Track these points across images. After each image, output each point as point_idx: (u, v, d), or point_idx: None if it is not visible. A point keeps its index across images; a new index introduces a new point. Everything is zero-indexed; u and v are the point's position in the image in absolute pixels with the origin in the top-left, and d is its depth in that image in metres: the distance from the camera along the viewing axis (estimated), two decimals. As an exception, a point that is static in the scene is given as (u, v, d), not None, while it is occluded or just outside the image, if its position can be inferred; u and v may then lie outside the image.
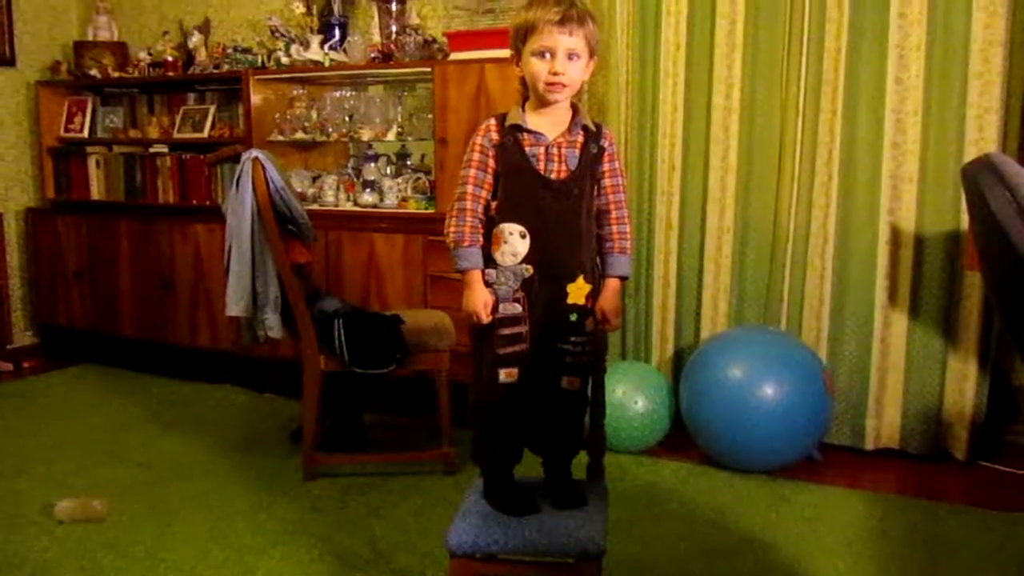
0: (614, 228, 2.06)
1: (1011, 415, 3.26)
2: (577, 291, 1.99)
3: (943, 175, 3.05)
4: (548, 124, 1.97)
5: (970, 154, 2.97)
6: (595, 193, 2.03)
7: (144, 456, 3.26)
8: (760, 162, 3.32)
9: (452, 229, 1.97)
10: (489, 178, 1.98)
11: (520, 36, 1.93)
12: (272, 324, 3.00)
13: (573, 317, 2.00)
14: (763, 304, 3.37)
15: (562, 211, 1.96)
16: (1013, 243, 1.12)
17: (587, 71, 1.97)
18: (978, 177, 1.20)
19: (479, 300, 1.94)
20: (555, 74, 1.89)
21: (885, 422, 3.22)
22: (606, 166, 2.03)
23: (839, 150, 3.17)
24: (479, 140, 1.98)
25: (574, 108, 2.00)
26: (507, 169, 1.97)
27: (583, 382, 2.05)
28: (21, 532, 2.63)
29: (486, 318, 1.94)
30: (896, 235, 3.14)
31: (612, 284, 2.06)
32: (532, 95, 1.98)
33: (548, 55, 1.89)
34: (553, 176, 1.96)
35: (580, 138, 1.99)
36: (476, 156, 1.98)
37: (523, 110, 1.98)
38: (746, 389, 2.95)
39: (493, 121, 1.99)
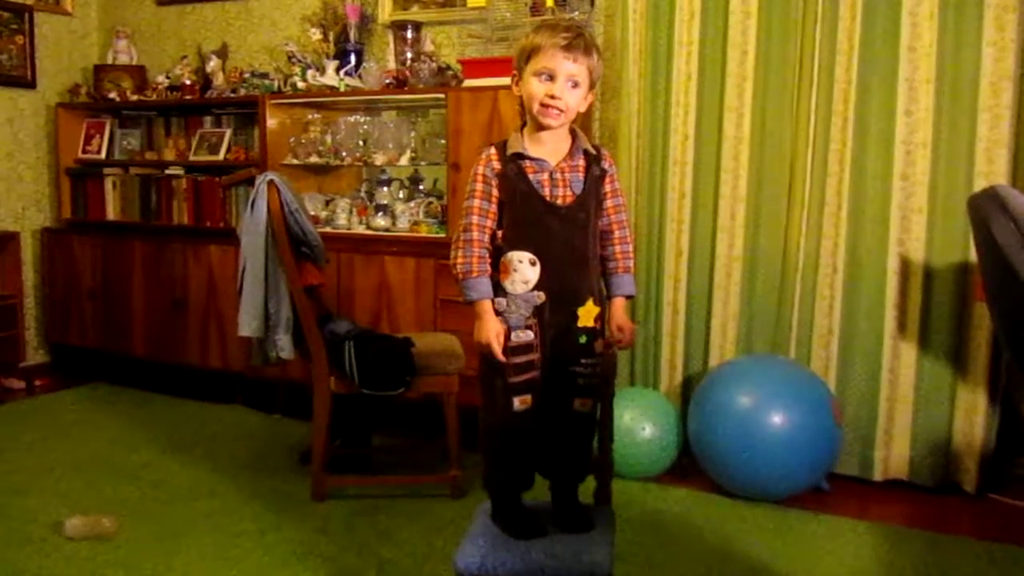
0: (617, 248, 2.08)
1: (1021, 448, 3.24)
2: (587, 314, 2.01)
3: (952, 207, 3.06)
4: (548, 150, 1.99)
5: (979, 186, 2.98)
6: (598, 215, 2.05)
7: (153, 475, 3.27)
8: (770, 191, 3.34)
9: (459, 261, 1.98)
10: (493, 207, 1.99)
11: (524, 57, 1.95)
12: (284, 345, 3.02)
13: (583, 340, 2.02)
14: (772, 333, 3.37)
15: (570, 236, 1.98)
16: (1017, 273, 1.14)
17: (584, 102, 1.98)
18: (984, 208, 1.22)
19: (491, 330, 1.95)
20: (552, 97, 1.91)
21: (894, 453, 3.21)
22: (607, 188, 2.05)
23: (848, 181, 3.19)
24: (481, 170, 1.99)
25: (573, 133, 2.02)
26: (512, 197, 1.98)
27: (595, 403, 2.07)
28: (30, 549, 2.64)
29: (499, 349, 1.95)
30: (905, 266, 3.15)
31: (620, 303, 2.09)
32: (528, 119, 1.99)
33: (548, 77, 1.92)
34: (559, 202, 1.98)
35: (582, 162, 2.01)
36: (479, 186, 1.99)
37: (522, 136, 2.00)
38: (754, 417, 2.95)
39: (493, 150, 2.00)
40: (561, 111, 1.93)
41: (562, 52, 1.90)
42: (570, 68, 1.91)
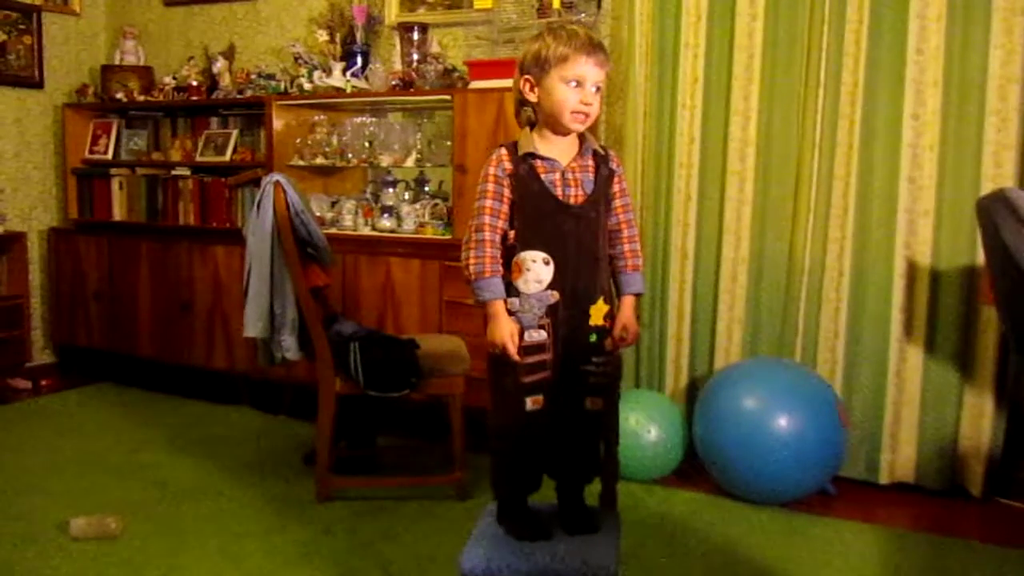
0: (626, 247, 2.10)
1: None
2: (598, 312, 2.02)
3: (959, 210, 3.06)
4: (559, 151, 2.01)
5: (987, 189, 2.97)
6: (607, 214, 2.07)
7: (159, 475, 3.27)
8: (776, 194, 3.33)
9: (472, 261, 1.98)
10: (505, 208, 2.00)
11: (547, 63, 1.95)
12: (289, 346, 3.02)
13: (593, 338, 2.02)
14: (778, 336, 3.37)
15: (582, 235, 1.99)
16: (1026, 276, 1.13)
17: None
18: (992, 210, 1.22)
19: (505, 330, 1.95)
20: (586, 104, 1.94)
21: (900, 456, 3.20)
22: (616, 187, 2.08)
23: (855, 183, 3.19)
24: (492, 170, 2.00)
25: (581, 134, 2.04)
26: (525, 197, 1.99)
27: (605, 402, 2.07)
28: (35, 548, 2.64)
29: (514, 349, 1.95)
30: (912, 269, 3.14)
31: (629, 301, 2.10)
32: (545, 122, 2.00)
33: (578, 84, 1.93)
34: (571, 201, 1.99)
35: (591, 162, 2.03)
36: (491, 187, 1.99)
37: (532, 137, 2.01)
38: (760, 420, 2.94)
39: (504, 151, 2.01)
40: (589, 116, 1.97)
41: (592, 60, 1.93)
42: (598, 75, 1.96)
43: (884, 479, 3.22)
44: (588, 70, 1.93)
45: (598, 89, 1.97)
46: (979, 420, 3.08)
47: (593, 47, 1.93)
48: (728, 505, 3.04)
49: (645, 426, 3.17)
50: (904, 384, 3.17)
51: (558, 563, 1.84)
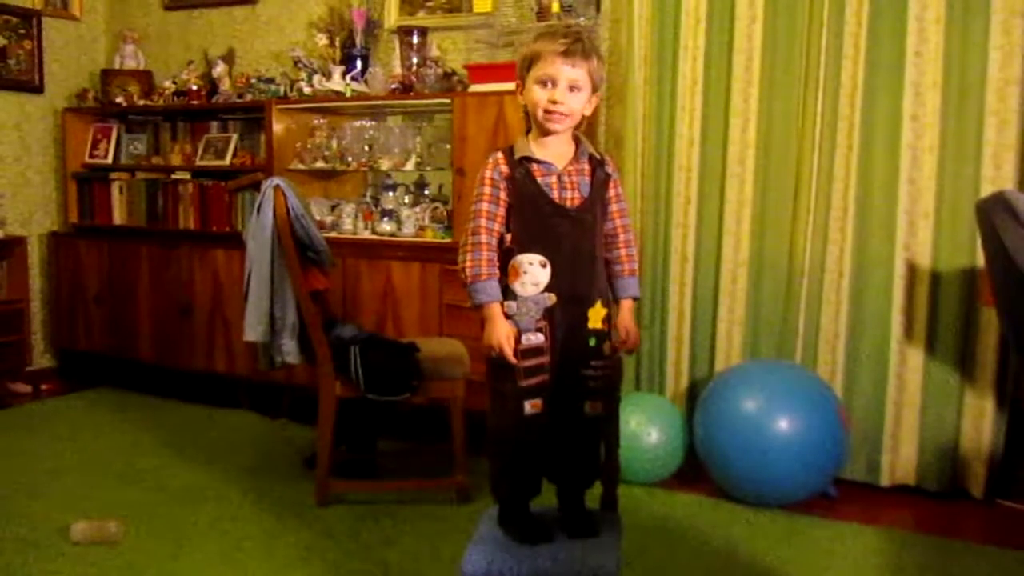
0: (623, 251, 2.10)
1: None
2: (595, 315, 2.02)
3: (959, 211, 3.06)
4: (554, 154, 2.01)
5: (986, 191, 2.97)
6: (604, 218, 2.07)
7: (159, 479, 3.27)
8: (776, 196, 3.33)
9: (468, 264, 1.98)
10: (501, 211, 2.00)
11: (526, 65, 1.98)
12: (289, 350, 3.02)
13: (592, 342, 2.02)
14: (778, 337, 3.36)
15: (579, 238, 2.00)
16: (1026, 278, 1.13)
17: (588, 105, 2.01)
18: (992, 213, 1.22)
19: (502, 333, 1.95)
20: (554, 102, 1.93)
21: (901, 458, 3.20)
22: (612, 192, 2.08)
23: (855, 185, 3.19)
24: (489, 174, 2.01)
25: (576, 139, 2.05)
26: (522, 200, 1.99)
27: (605, 406, 2.07)
28: (36, 553, 2.64)
29: (511, 351, 1.95)
30: (912, 270, 3.14)
31: (628, 306, 2.11)
32: (533, 125, 2.02)
33: (550, 84, 1.94)
34: (568, 204, 1.99)
35: (587, 166, 2.03)
36: (487, 190, 2.00)
37: (528, 141, 2.02)
38: (760, 422, 2.94)
39: (500, 154, 2.02)
40: (564, 115, 1.96)
41: (561, 58, 1.93)
42: (570, 73, 1.94)
43: (885, 481, 3.22)
44: (558, 69, 1.93)
45: (574, 88, 1.95)
46: (980, 421, 3.08)
47: (566, 46, 1.92)
48: (729, 507, 3.04)
49: (646, 429, 3.17)
50: (905, 385, 3.17)
51: (559, 566, 1.84)
